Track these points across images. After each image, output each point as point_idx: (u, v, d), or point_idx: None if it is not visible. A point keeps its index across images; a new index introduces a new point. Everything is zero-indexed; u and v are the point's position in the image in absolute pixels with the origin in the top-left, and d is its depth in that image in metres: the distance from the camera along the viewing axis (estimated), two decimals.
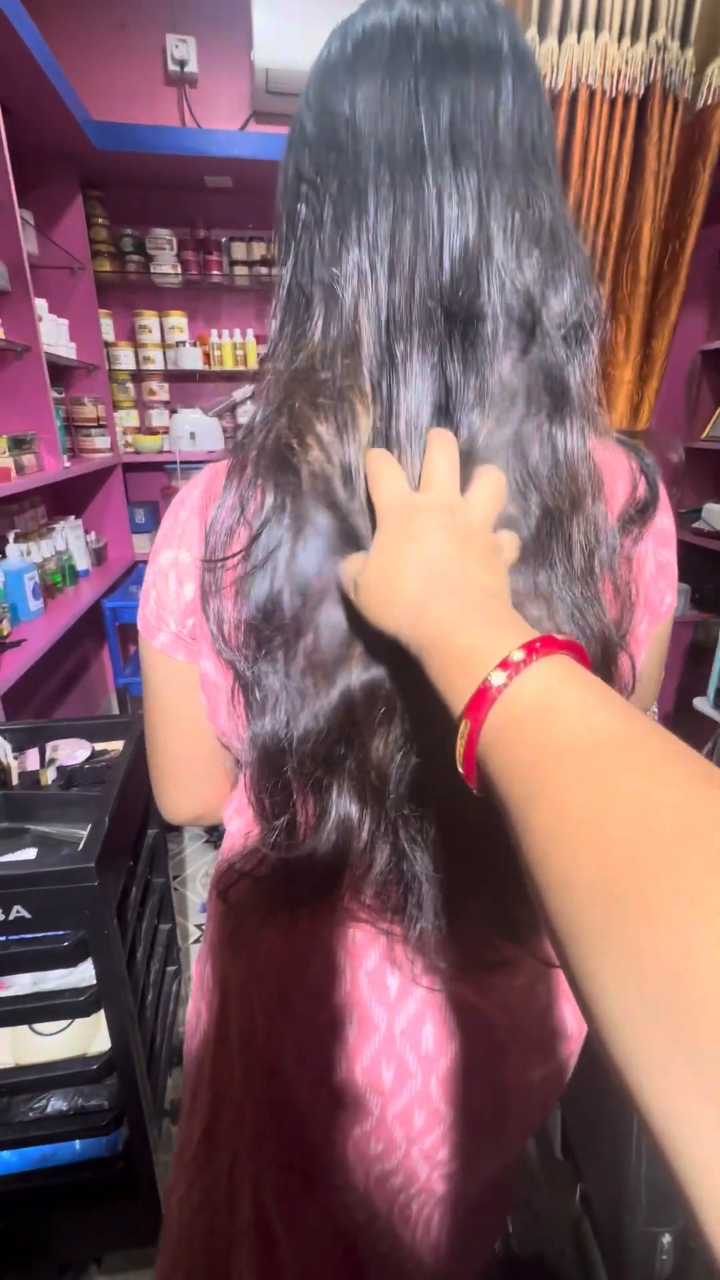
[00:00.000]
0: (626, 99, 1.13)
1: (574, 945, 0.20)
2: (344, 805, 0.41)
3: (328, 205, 0.38)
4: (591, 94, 1.12)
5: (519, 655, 0.27)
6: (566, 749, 0.24)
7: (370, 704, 0.39)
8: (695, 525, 2.46)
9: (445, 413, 0.38)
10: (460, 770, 0.29)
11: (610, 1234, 0.71)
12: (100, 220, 2.22)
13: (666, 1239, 0.66)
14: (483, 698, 0.27)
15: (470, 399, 0.37)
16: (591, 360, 0.40)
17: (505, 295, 0.36)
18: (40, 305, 1.74)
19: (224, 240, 2.36)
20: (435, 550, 0.34)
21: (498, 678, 0.27)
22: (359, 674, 0.39)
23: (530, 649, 0.27)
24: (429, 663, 0.32)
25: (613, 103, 1.13)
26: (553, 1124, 0.86)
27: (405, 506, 0.36)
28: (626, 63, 1.10)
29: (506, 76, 0.36)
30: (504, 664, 0.27)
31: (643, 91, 1.14)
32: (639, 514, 0.43)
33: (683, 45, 1.14)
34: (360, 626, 0.38)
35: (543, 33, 1.10)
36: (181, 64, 2.11)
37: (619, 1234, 0.69)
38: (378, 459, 0.38)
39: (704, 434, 2.50)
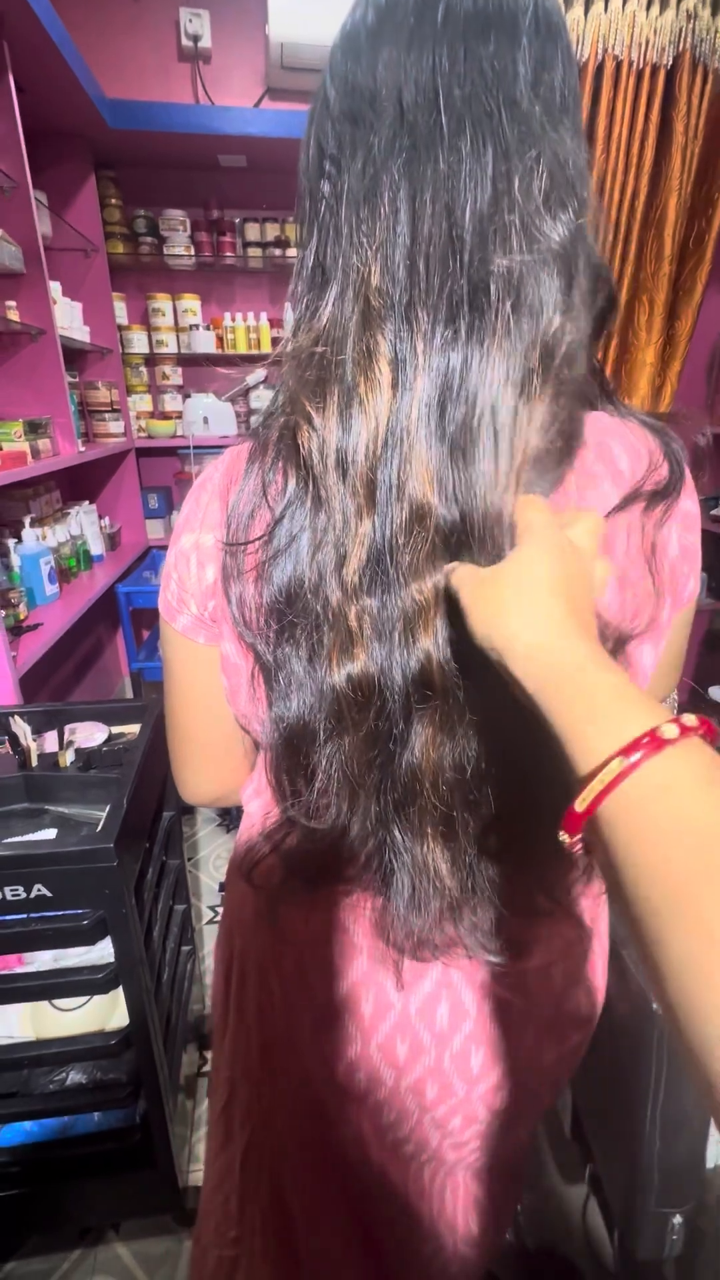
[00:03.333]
0: (654, 70, 1.09)
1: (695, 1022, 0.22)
2: (356, 791, 0.41)
3: (350, 181, 0.37)
4: (618, 65, 1.08)
5: (672, 731, 0.27)
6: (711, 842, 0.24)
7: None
8: (714, 513, 2.42)
9: (462, 389, 0.36)
10: (561, 816, 0.29)
11: (620, 1214, 0.72)
12: (113, 201, 2.20)
13: (677, 1219, 0.67)
14: (653, 746, 0.26)
15: (498, 373, 0.35)
16: (606, 336, 0.39)
17: (533, 264, 0.35)
18: (54, 288, 1.73)
19: (238, 221, 2.33)
20: (577, 581, 0.33)
21: (670, 731, 0.26)
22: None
23: (683, 728, 0.27)
24: (553, 695, 0.30)
25: (640, 74, 1.09)
26: (562, 1105, 0.87)
27: (553, 529, 0.35)
28: (655, 32, 1.06)
29: (532, 43, 0.35)
30: (652, 736, 0.27)
31: (671, 62, 1.10)
32: (660, 496, 0.42)
33: (714, 13, 1.10)
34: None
35: (568, 1, 1.06)
36: (195, 39, 2.07)
37: (629, 1214, 0.70)
38: (527, 498, 0.37)
39: None
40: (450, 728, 0.38)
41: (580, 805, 0.28)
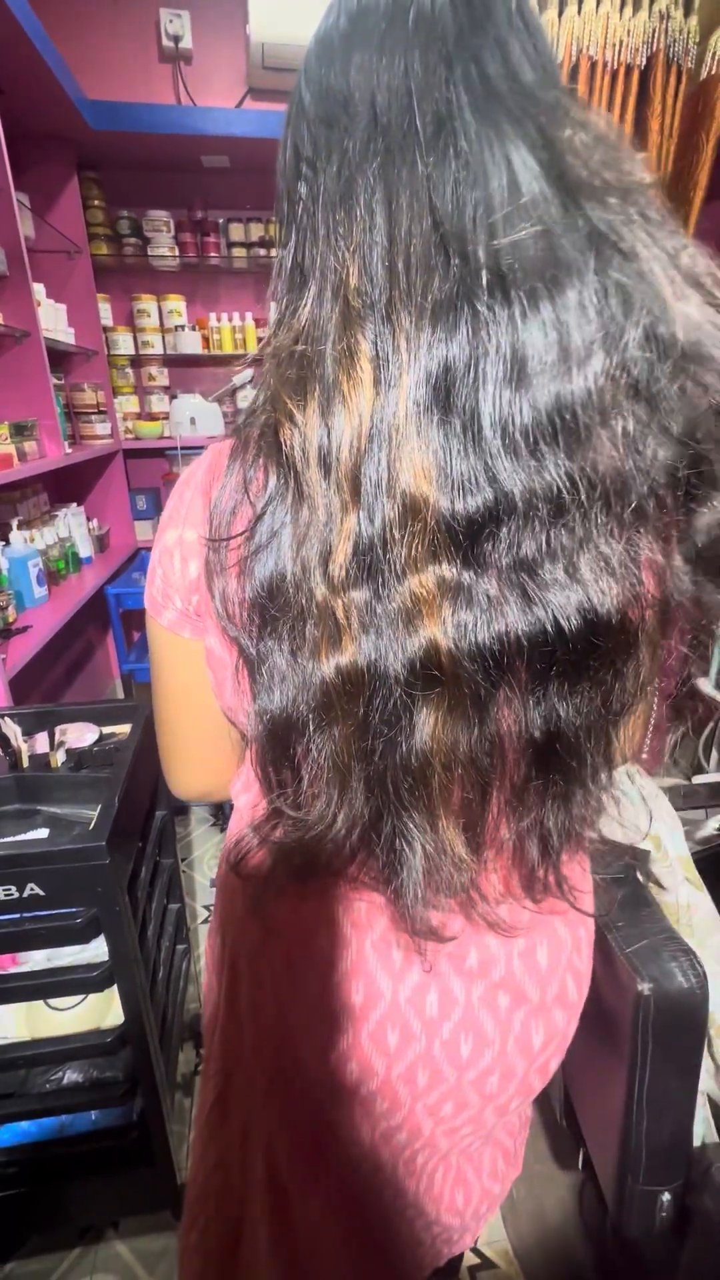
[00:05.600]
0: (628, 70, 1.11)
1: None
2: (347, 780, 0.42)
3: (326, 183, 0.38)
4: (592, 66, 1.10)
5: None
6: None
7: (374, 682, 0.39)
8: None
9: (451, 385, 0.36)
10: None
11: (610, 1194, 0.73)
12: (96, 202, 2.20)
13: (665, 1197, 0.69)
14: None
15: (548, 358, 0.34)
16: None
17: (612, 221, 0.34)
18: (38, 290, 1.73)
19: (221, 221, 2.33)
20: None
21: None
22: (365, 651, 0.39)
23: None
24: None
25: (614, 74, 1.11)
26: (554, 1091, 0.88)
27: None
28: (628, 33, 1.08)
29: (520, 40, 0.36)
30: None
31: (645, 62, 1.12)
32: None
33: (686, 13, 1.11)
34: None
35: (542, 4, 1.07)
36: (176, 39, 2.07)
37: (619, 1194, 0.71)
38: None
39: None
40: (459, 710, 0.39)
41: None
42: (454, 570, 0.37)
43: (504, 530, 0.36)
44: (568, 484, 0.35)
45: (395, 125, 0.35)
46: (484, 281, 0.34)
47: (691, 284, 0.36)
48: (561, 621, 0.36)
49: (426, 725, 0.39)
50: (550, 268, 0.34)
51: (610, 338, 0.34)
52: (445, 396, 0.36)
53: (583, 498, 0.35)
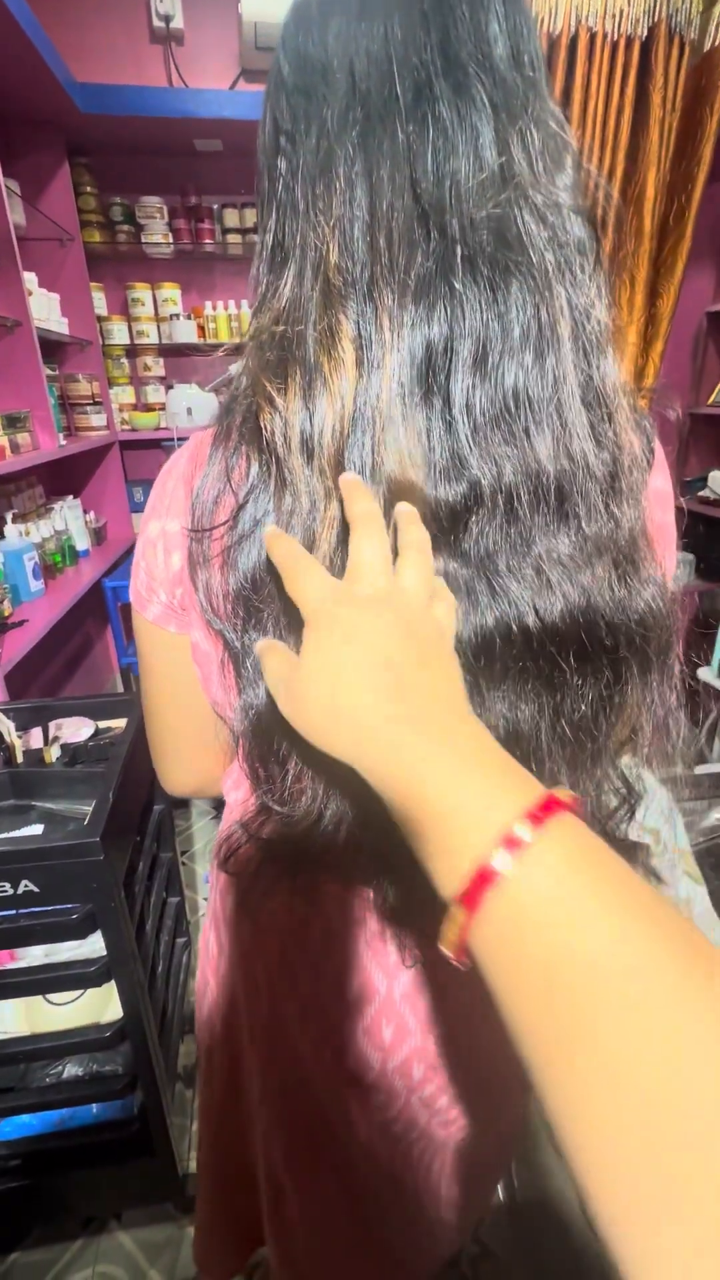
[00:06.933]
0: (629, 42, 1.08)
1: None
2: (332, 775, 0.41)
3: (305, 156, 0.36)
4: (592, 37, 1.07)
5: (524, 831, 0.24)
6: (591, 971, 0.22)
7: None
8: (701, 494, 2.43)
9: (432, 367, 0.35)
10: (448, 952, 0.27)
11: None
12: (88, 189, 2.16)
13: None
14: (482, 884, 0.24)
15: (507, 344, 0.34)
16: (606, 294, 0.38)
17: (537, 221, 0.34)
18: (30, 279, 1.70)
19: (216, 207, 2.30)
20: (380, 655, 0.30)
21: (501, 860, 0.23)
22: None
23: (534, 819, 0.24)
24: (396, 809, 0.28)
25: (614, 46, 1.08)
26: None
27: (335, 602, 0.33)
28: (629, 3, 1.04)
29: (498, 8, 0.34)
30: (507, 841, 0.24)
31: (646, 34, 1.08)
32: None
33: None
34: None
35: None
36: (167, 20, 2.03)
37: None
38: (288, 550, 0.35)
39: (710, 399, 2.45)
40: None
41: (452, 928, 0.26)
42: (439, 560, 0.36)
43: (473, 519, 0.36)
44: (515, 478, 0.35)
45: (375, 93, 0.34)
46: (459, 257, 0.34)
47: (591, 343, 0.36)
48: (525, 619, 0.36)
49: None
50: (504, 251, 0.34)
51: (544, 339, 0.34)
52: (427, 378, 0.35)
53: (524, 496, 0.35)
